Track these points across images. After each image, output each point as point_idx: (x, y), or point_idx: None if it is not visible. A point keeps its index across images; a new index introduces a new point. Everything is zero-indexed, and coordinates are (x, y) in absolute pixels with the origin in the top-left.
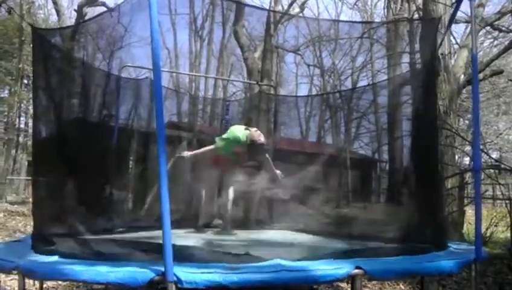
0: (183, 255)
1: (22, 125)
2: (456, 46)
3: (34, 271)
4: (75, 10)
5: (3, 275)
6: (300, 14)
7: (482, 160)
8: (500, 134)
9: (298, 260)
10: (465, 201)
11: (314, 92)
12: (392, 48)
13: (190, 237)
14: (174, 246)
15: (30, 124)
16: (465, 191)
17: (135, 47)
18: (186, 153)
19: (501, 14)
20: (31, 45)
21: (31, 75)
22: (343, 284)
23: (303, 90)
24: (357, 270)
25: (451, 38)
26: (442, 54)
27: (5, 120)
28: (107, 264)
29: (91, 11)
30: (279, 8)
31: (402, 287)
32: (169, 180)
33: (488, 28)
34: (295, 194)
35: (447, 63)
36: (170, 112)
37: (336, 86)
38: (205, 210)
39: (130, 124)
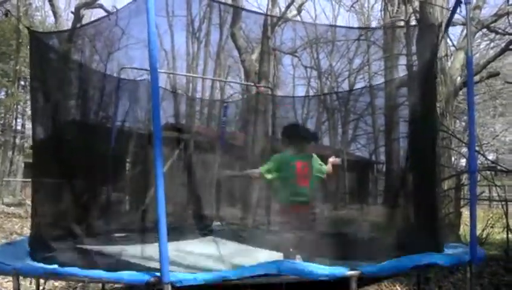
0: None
1: (19, 127)
2: (452, 49)
3: (30, 272)
4: (72, 12)
5: None
6: (298, 18)
7: (478, 162)
8: (497, 136)
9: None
10: (462, 202)
11: (311, 95)
12: (389, 50)
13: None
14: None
15: (27, 126)
16: (462, 193)
17: (133, 49)
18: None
19: (497, 16)
20: (28, 47)
21: (28, 77)
22: None
23: (300, 92)
24: (352, 272)
25: (448, 40)
26: (439, 57)
27: (2, 122)
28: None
29: (88, 13)
30: (276, 9)
31: (399, 288)
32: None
33: (484, 30)
34: None
35: (444, 65)
36: (168, 113)
37: (333, 88)
38: None
39: (128, 125)
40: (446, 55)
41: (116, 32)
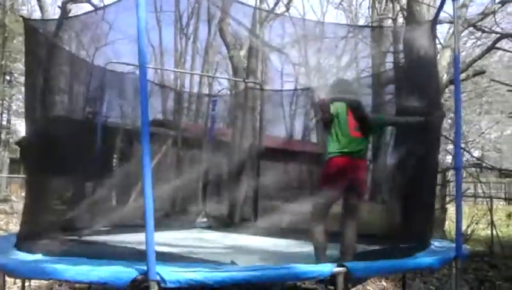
0: (166, 259)
1: (4, 123)
2: (439, 47)
3: (17, 270)
4: (59, 7)
5: None
6: (286, 14)
7: (464, 159)
8: (482, 133)
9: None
10: (447, 199)
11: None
12: (376, 47)
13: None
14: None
15: (12, 121)
16: (447, 189)
17: (120, 44)
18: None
19: (484, 14)
20: (15, 42)
21: (13, 72)
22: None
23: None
24: (339, 269)
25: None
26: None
27: None
28: (90, 263)
29: (75, 8)
30: (264, 5)
31: (385, 284)
32: None
33: (471, 28)
34: (279, 193)
35: None
36: (155, 109)
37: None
38: None
39: (115, 121)
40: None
41: (103, 27)
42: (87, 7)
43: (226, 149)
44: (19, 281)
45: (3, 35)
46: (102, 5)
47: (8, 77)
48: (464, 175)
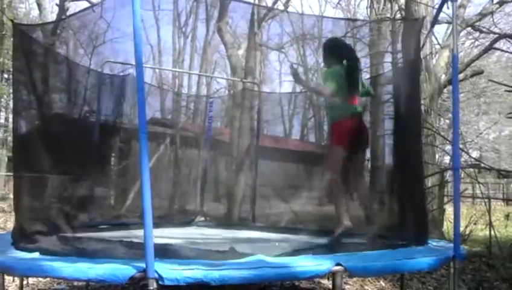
0: (165, 253)
1: (2, 121)
2: (437, 47)
3: (14, 268)
4: (56, 5)
5: None
6: (285, 14)
7: (462, 159)
8: (480, 134)
9: (279, 255)
10: (445, 199)
11: (297, 91)
12: (374, 47)
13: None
14: (155, 244)
15: (10, 119)
16: (445, 190)
17: (118, 43)
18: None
19: (482, 15)
20: (12, 40)
21: (11, 69)
22: (325, 281)
23: (286, 89)
24: (337, 267)
25: (433, 38)
26: (424, 54)
27: None
28: (88, 261)
29: (73, 6)
30: (263, 4)
31: (383, 284)
32: None
33: (469, 28)
34: (277, 191)
35: (429, 63)
36: (153, 108)
37: (319, 84)
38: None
39: (112, 120)
40: (431, 53)
41: (101, 26)
42: (85, 5)
43: (223, 148)
44: (17, 280)
45: (0, 32)
46: (99, 1)
47: (5, 75)
48: (462, 176)
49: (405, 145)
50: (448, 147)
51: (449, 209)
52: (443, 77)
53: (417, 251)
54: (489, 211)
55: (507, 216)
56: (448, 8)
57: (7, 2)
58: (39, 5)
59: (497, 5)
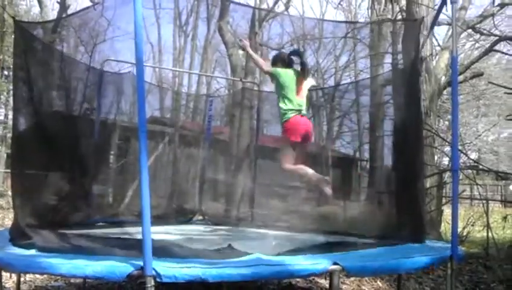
0: (163, 251)
1: (2, 117)
2: (438, 48)
3: (12, 264)
4: (57, 2)
5: None
6: (285, 12)
7: (461, 161)
8: (479, 135)
9: (277, 254)
10: (443, 200)
11: None
12: (375, 48)
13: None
14: (153, 241)
15: (10, 116)
16: (443, 191)
17: (118, 41)
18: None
19: (482, 17)
20: (13, 37)
21: (11, 66)
22: (322, 280)
23: None
24: (334, 266)
25: (434, 40)
26: (424, 56)
27: None
28: (85, 258)
29: (74, 3)
30: (264, 5)
31: (380, 284)
32: None
33: (469, 30)
34: (276, 190)
35: (429, 65)
36: (153, 107)
37: (319, 84)
38: None
39: (112, 118)
40: (431, 54)
41: (102, 24)
42: (86, 3)
43: (223, 147)
44: (14, 276)
45: (1, 29)
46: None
47: (5, 72)
48: (461, 177)
49: (404, 146)
50: (447, 149)
51: (447, 211)
52: (443, 79)
53: (414, 250)
54: (487, 212)
55: (505, 218)
56: (446, 10)
57: None
58: (40, 3)
59: (498, 7)
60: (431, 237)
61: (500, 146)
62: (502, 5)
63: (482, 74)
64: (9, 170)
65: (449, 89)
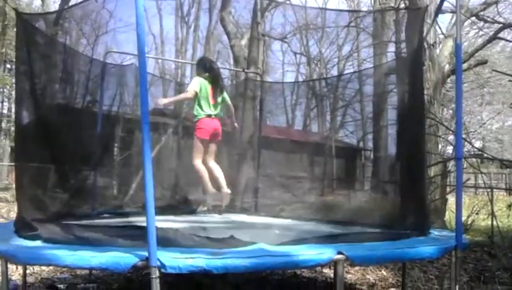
0: (167, 240)
1: (5, 111)
2: (441, 36)
3: (17, 256)
4: None
5: None
6: (288, 2)
7: (465, 149)
8: (484, 124)
9: (281, 244)
10: (448, 189)
11: (300, 81)
12: (378, 37)
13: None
14: (157, 230)
15: (13, 109)
16: (448, 180)
17: (120, 33)
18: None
19: (486, 4)
20: (15, 30)
21: (14, 60)
22: (327, 270)
23: (289, 79)
24: (339, 256)
25: (437, 28)
26: (427, 44)
27: None
28: (90, 249)
29: None
30: None
31: (384, 273)
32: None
33: (473, 18)
34: (279, 180)
35: (432, 53)
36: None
37: (322, 74)
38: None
39: (115, 110)
40: (435, 42)
41: (104, 16)
42: None
43: (226, 139)
44: (20, 268)
45: (3, 23)
46: None
47: (8, 65)
48: (465, 165)
49: (408, 135)
50: (451, 137)
51: (451, 199)
52: (447, 67)
53: (419, 240)
54: (491, 201)
55: (509, 206)
56: None
57: None
58: None
59: None
60: (435, 226)
61: (505, 134)
62: None
63: (486, 62)
64: (13, 164)
65: (453, 77)
